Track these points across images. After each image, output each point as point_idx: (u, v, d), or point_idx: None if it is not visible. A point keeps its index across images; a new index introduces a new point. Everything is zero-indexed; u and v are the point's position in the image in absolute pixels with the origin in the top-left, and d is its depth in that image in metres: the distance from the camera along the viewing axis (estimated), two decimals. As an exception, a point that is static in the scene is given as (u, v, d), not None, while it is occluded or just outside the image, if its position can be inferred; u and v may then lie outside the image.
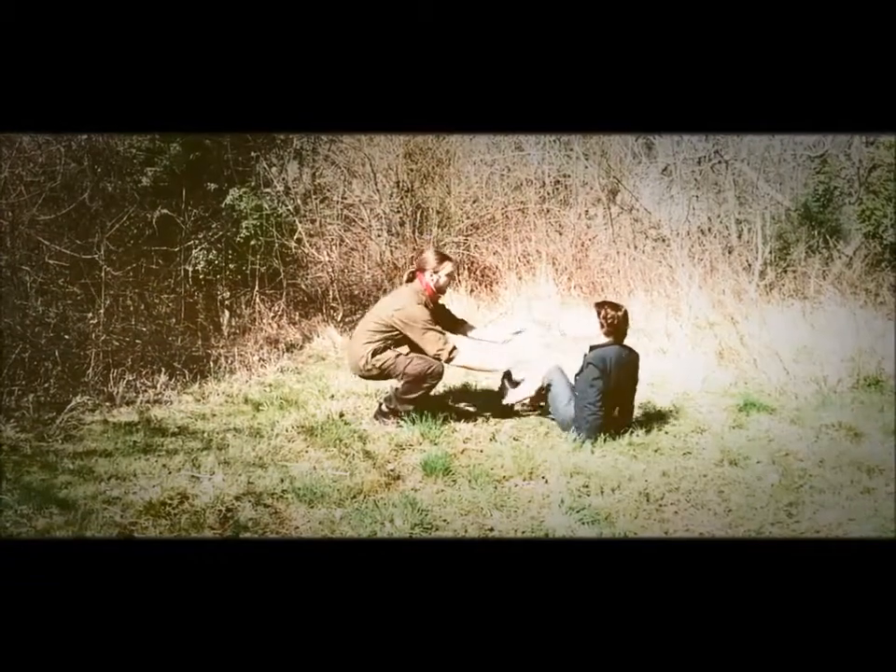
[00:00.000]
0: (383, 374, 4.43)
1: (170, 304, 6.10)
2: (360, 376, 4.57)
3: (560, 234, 8.33)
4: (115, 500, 3.37)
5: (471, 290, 7.80)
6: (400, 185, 7.98)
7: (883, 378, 5.28)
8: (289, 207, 7.38)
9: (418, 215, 8.15)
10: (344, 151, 8.35)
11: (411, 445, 4.18)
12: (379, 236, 8.08)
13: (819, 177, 8.61)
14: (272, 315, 6.90)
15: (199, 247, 6.53)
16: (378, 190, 8.00)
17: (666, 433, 4.36)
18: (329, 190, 8.37)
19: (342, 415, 4.60)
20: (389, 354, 4.36)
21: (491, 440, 4.31)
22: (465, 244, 8.18)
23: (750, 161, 8.66)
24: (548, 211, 8.55)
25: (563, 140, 9.42)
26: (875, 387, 5.19)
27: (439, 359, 4.31)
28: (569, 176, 9.20)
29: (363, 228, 8.24)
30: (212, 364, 5.52)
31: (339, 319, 7.22)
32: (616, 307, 4.26)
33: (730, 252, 7.92)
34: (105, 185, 5.79)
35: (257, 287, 6.87)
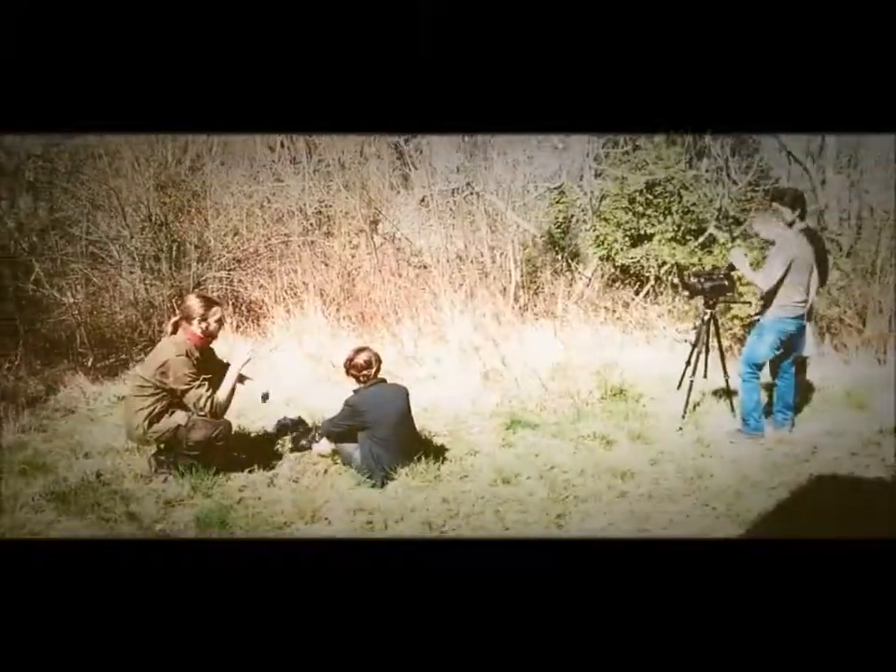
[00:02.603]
0: (166, 442, 4.19)
1: None
2: (142, 444, 4.31)
3: (326, 265, 8.31)
4: None
5: (237, 327, 7.51)
6: (153, 219, 7.49)
7: (626, 387, 5.84)
8: (24, 246, 6.65)
9: (174, 249, 7.70)
10: (86, 184, 7.68)
11: (181, 500, 3.91)
12: (132, 273, 7.52)
13: (558, 207, 9.42)
14: (7, 365, 6.14)
15: None
16: (128, 225, 7.44)
17: (444, 458, 4.49)
18: (70, 226, 7.65)
19: (99, 476, 4.20)
20: (168, 424, 4.12)
21: (269, 485, 4.17)
22: (228, 278, 7.86)
23: (499, 193, 9.25)
24: (312, 242, 8.50)
25: (322, 171, 9.47)
26: (619, 396, 5.73)
27: (203, 414, 4.10)
28: (331, 207, 9.22)
29: (112, 265, 7.62)
30: (-68, 430, 4.78)
31: (89, 366, 6.59)
32: (357, 351, 4.35)
33: (486, 276, 8.39)
34: None
35: (-13, 337, 6.08)
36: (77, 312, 6.99)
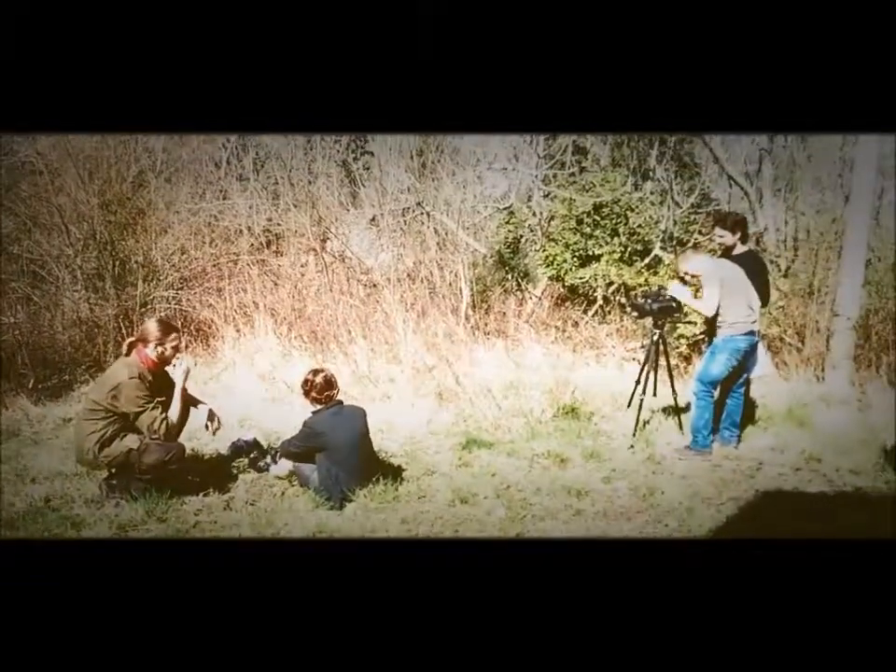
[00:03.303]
0: (118, 466, 4.10)
1: None
2: (92, 468, 4.22)
3: (276, 284, 8.24)
4: None
5: (186, 347, 7.38)
6: (97, 237, 7.32)
7: (577, 406, 5.93)
8: (-40, 264, 6.42)
9: (119, 268, 7.53)
10: (26, 201, 7.48)
11: (135, 526, 3.83)
12: (75, 292, 7.34)
13: (507, 227, 9.54)
14: (-58, 388, 5.92)
15: None
16: (70, 243, 7.27)
17: (401, 479, 4.49)
18: (9, 244, 7.42)
19: (48, 501, 4.08)
20: (119, 447, 4.03)
21: (225, 508, 4.10)
22: (175, 298, 7.72)
23: (448, 213, 9.32)
24: (262, 261, 8.42)
25: (270, 189, 9.41)
26: (572, 415, 5.82)
27: (158, 438, 4.03)
28: (280, 225, 9.16)
29: (54, 284, 7.43)
30: None
31: (31, 387, 6.39)
32: (314, 373, 4.33)
33: (436, 296, 8.42)
34: None
35: (-79, 359, 5.85)
36: (17, 332, 6.79)
